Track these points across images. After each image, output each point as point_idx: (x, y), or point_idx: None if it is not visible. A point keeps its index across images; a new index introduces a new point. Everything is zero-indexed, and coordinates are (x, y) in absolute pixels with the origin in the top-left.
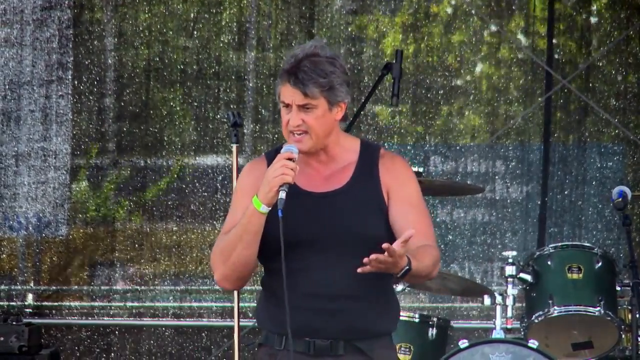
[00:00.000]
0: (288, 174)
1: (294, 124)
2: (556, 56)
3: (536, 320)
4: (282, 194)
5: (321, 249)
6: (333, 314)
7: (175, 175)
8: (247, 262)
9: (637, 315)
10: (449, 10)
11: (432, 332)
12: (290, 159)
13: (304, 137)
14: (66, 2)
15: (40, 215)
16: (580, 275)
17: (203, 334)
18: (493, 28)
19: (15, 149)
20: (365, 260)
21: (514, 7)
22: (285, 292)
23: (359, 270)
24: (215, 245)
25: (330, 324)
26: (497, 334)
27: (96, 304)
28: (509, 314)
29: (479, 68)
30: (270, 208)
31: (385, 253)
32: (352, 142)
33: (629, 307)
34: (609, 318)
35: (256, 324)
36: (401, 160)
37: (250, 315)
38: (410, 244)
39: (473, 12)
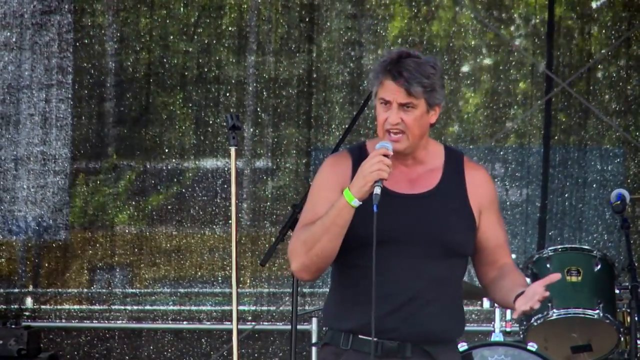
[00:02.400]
0: (384, 169)
1: (393, 121)
2: (556, 59)
3: (535, 323)
4: (377, 190)
5: (403, 250)
6: (406, 316)
7: (175, 179)
8: (330, 254)
9: (636, 318)
10: (449, 14)
11: None
12: (385, 156)
13: (402, 137)
14: (66, 6)
15: (40, 219)
16: (579, 278)
17: (203, 339)
18: (493, 31)
19: (15, 152)
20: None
21: (513, 10)
22: (374, 287)
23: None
24: (294, 236)
25: (402, 326)
26: (496, 336)
27: (96, 307)
28: (508, 317)
29: (478, 71)
30: (361, 202)
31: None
32: (437, 147)
33: (628, 310)
34: (607, 321)
35: (325, 326)
36: (485, 171)
37: (250, 318)
38: (506, 262)
39: (472, 15)
